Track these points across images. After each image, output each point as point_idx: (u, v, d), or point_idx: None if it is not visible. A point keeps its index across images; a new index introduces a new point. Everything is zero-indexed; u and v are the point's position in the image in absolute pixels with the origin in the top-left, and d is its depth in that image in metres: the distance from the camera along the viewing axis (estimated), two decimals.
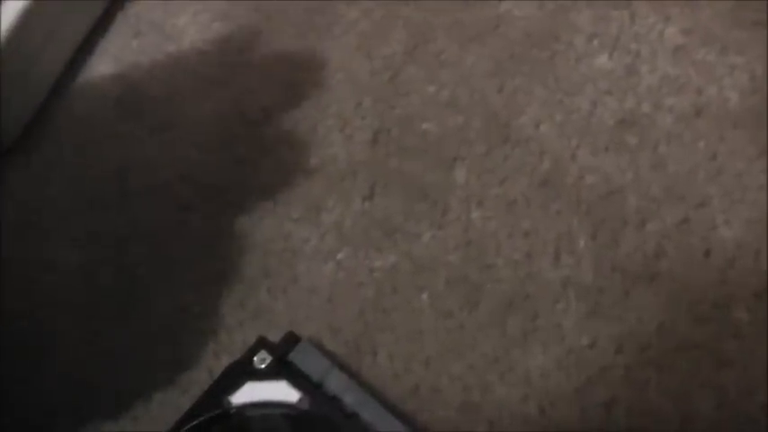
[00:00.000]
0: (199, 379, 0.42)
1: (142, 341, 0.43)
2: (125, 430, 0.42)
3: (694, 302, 0.37)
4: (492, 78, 0.44)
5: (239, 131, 0.47)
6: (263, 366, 0.38)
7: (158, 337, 0.44)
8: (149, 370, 0.43)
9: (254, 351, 0.39)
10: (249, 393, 0.38)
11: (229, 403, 0.38)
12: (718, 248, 0.37)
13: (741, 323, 0.36)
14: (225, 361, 0.42)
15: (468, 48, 0.46)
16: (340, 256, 0.43)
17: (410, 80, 0.46)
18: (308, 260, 0.43)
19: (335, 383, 0.37)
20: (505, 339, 0.38)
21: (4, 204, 0.53)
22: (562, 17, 0.45)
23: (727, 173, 0.38)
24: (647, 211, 0.39)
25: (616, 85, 0.42)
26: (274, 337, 0.40)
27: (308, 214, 0.44)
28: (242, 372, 0.39)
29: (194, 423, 0.38)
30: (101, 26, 0.57)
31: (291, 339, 0.39)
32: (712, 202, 0.38)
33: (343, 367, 0.38)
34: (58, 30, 0.56)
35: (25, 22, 0.53)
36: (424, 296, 0.40)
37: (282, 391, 0.37)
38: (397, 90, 0.46)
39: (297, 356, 0.38)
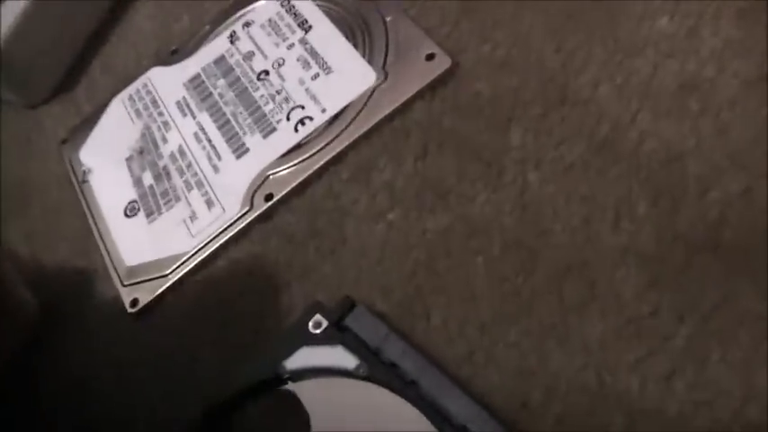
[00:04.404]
0: (245, 340, 0.42)
1: None
2: (172, 391, 0.42)
3: (757, 274, 0.36)
4: (549, 38, 0.43)
5: None
6: (318, 331, 0.38)
7: (204, 294, 0.44)
8: (195, 329, 0.43)
9: (308, 315, 0.38)
10: (304, 359, 0.38)
11: (284, 368, 0.38)
12: None
13: None
14: (271, 322, 0.42)
15: (525, 6, 0.45)
16: (391, 216, 0.42)
17: (464, 37, 0.45)
18: (358, 221, 0.43)
19: (393, 350, 0.37)
20: (562, 307, 0.38)
21: None
22: None
23: None
24: (708, 179, 0.38)
25: (678, 48, 0.41)
26: (321, 298, 0.40)
27: (359, 174, 0.44)
28: (297, 336, 0.38)
29: (246, 387, 0.38)
30: None
31: (347, 304, 0.39)
32: None
33: (400, 333, 0.38)
34: None
35: None
36: (479, 260, 0.40)
37: (339, 358, 0.37)
38: (450, 47, 0.45)
39: (353, 322, 0.38)
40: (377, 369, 0.36)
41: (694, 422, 0.34)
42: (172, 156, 0.47)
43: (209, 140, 0.47)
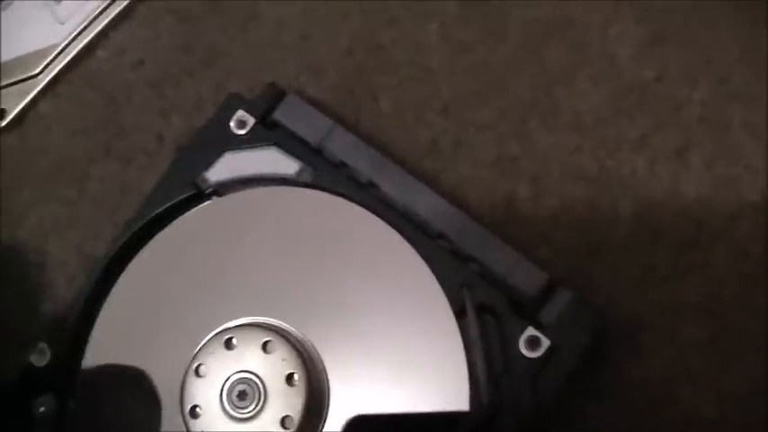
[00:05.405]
0: (146, 148, 0.33)
1: None
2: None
3: None
4: None
5: None
6: (243, 132, 0.30)
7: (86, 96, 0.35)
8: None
9: (227, 112, 0.30)
10: (230, 166, 0.30)
11: (205, 180, 0.30)
12: None
13: None
14: (176, 121, 0.34)
15: None
16: None
17: None
18: None
19: (340, 146, 0.29)
20: (545, 77, 0.31)
21: None
22: None
23: None
24: None
25: None
26: (236, 89, 0.32)
27: None
28: (217, 140, 0.30)
29: (160, 210, 0.30)
30: None
31: (274, 93, 0.30)
32: None
33: (344, 125, 0.30)
34: None
35: None
36: (433, 26, 0.32)
37: (273, 161, 0.29)
38: None
39: (285, 115, 0.30)
40: (323, 172, 0.29)
41: (716, 203, 0.28)
42: None
43: None
